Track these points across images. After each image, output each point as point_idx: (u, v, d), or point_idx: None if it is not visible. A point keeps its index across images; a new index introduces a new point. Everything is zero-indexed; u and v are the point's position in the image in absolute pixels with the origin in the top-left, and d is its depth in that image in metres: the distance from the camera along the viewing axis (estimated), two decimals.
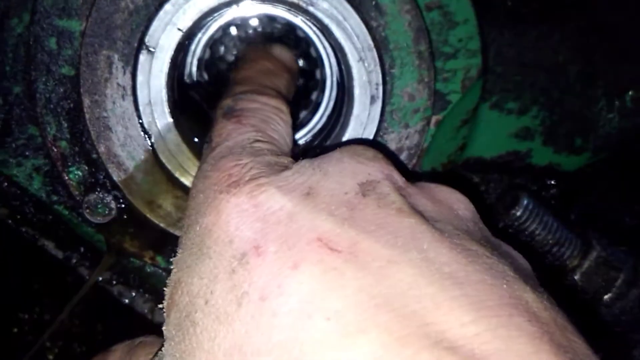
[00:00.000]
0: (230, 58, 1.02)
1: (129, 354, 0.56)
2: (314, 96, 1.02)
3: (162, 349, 0.46)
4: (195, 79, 0.96)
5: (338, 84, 0.93)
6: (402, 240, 0.44)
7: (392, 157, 0.71)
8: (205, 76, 1.01)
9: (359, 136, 0.82)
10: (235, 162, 0.52)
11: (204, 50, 0.96)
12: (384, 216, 0.46)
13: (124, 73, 0.73)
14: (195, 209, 0.50)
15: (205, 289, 0.44)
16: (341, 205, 0.47)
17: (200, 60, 0.96)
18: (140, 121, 0.75)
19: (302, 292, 0.40)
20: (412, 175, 0.73)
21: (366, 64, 0.78)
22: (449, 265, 0.42)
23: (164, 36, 0.73)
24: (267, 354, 0.38)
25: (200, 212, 0.49)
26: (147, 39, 0.73)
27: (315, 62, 0.98)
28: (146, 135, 0.76)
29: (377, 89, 0.79)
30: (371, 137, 0.83)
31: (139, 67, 0.74)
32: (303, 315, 0.39)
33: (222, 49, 1.00)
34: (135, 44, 0.72)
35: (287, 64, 0.80)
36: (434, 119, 0.85)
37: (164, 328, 0.46)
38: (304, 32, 0.90)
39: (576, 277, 0.94)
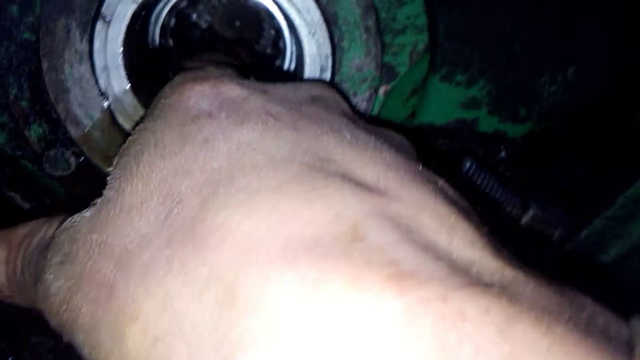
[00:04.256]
0: (203, 25, 1.01)
1: (47, 223, 0.55)
2: (277, 63, 1.02)
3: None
4: (157, 45, 0.95)
5: (296, 55, 0.93)
6: (338, 127, 0.47)
7: (347, 100, 0.72)
8: (171, 42, 1.00)
9: None
10: (202, 70, 0.55)
11: (167, 19, 0.95)
12: (326, 114, 0.50)
13: (81, 40, 0.72)
14: (160, 94, 0.52)
15: (157, 137, 0.46)
16: (291, 102, 0.50)
17: (164, 27, 0.96)
18: (97, 84, 0.75)
19: (242, 139, 0.43)
20: (366, 120, 0.73)
21: (316, 38, 0.78)
22: (374, 142, 0.46)
23: (120, 6, 0.73)
24: (199, 175, 0.41)
25: (164, 96, 0.51)
26: (103, 9, 0.72)
27: (278, 32, 0.98)
28: (103, 97, 0.76)
29: (326, 60, 0.79)
30: None
31: (96, 34, 0.73)
32: (239, 151, 0.42)
33: (192, 16, 1.00)
34: (92, 13, 0.72)
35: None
36: (383, 89, 0.85)
37: (108, 178, 0.47)
38: (264, 5, 0.90)
39: None
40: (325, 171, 0.40)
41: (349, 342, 0.31)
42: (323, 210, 0.36)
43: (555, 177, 1.11)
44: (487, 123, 1.03)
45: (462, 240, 0.37)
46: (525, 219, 0.96)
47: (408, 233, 0.36)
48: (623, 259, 0.93)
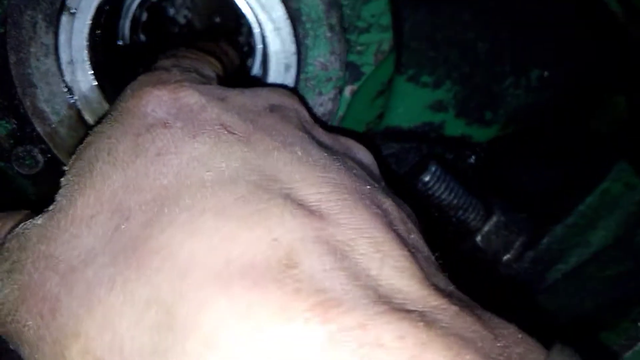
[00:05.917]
0: (181, 20, 1.01)
1: (2, 221, 0.53)
2: (249, 63, 1.02)
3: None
4: (128, 41, 0.95)
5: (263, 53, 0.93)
6: (291, 140, 0.48)
7: (309, 110, 0.72)
8: (143, 38, 1.00)
9: None
10: (166, 72, 0.55)
11: (139, 13, 0.95)
12: (282, 126, 0.51)
13: (47, 32, 0.72)
14: (121, 96, 0.52)
15: (111, 145, 0.46)
16: (249, 112, 0.51)
17: (135, 22, 0.95)
18: (63, 79, 0.74)
19: (193, 153, 0.44)
20: (328, 128, 0.73)
21: (281, 34, 0.78)
22: (325, 160, 0.47)
23: None
24: (148, 192, 0.41)
25: (124, 98, 0.51)
26: (68, 1, 0.72)
27: (249, 31, 0.97)
28: (69, 93, 0.75)
29: (291, 58, 0.79)
30: None
31: (61, 27, 0.72)
32: (189, 167, 0.43)
33: (170, 11, 0.99)
34: (58, 6, 0.71)
35: (228, 52, 0.80)
36: (349, 89, 0.86)
37: (61, 180, 0.47)
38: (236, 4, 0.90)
39: (477, 239, 0.97)
40: (270, 191, 0.41)
41: None
42: (262, 235, 0.37)
43: (521, 181, 1.12)
44: (454, 126, 1.03)
45: (392, 268, 0.38)
46: (488, 226, 0.97)
47: (341, 260, 0.37)
48: (581, 268, 0.93)
